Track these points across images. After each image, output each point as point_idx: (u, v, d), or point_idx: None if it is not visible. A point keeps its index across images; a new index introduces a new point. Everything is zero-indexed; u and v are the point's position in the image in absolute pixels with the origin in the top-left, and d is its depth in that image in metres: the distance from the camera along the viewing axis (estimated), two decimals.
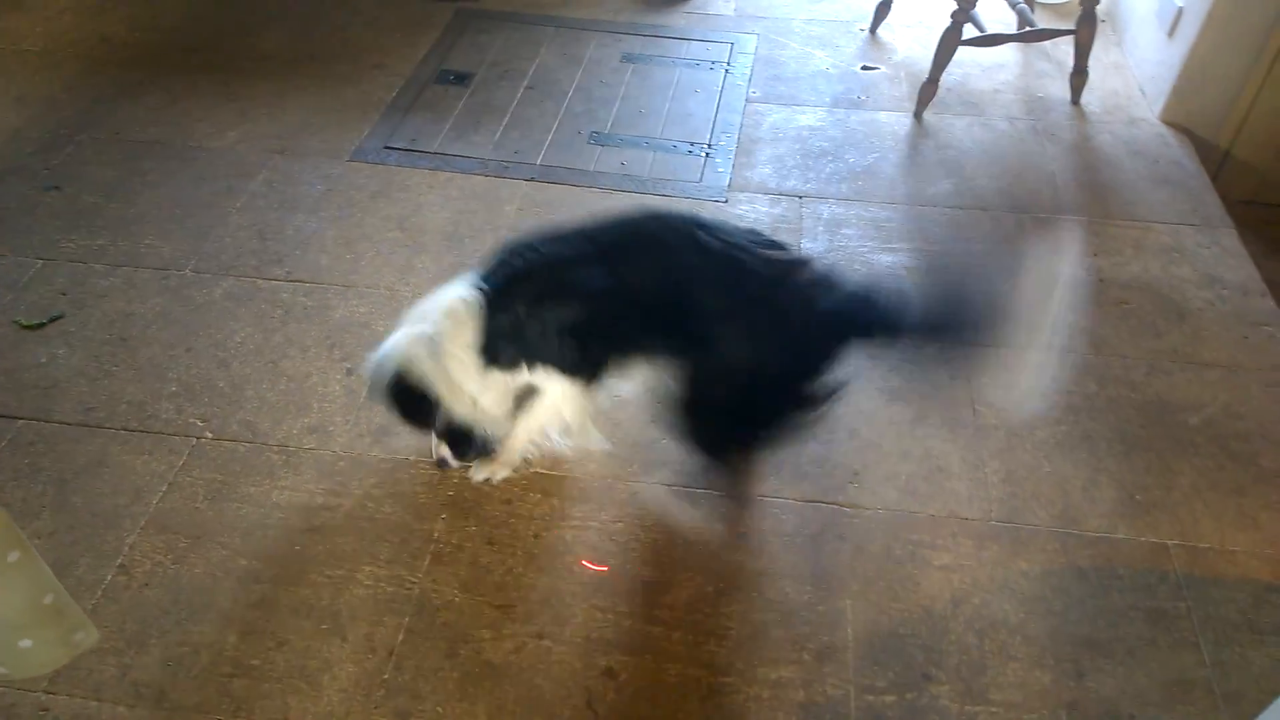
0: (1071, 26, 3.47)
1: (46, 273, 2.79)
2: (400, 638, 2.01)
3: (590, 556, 2.15)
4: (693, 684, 1.95)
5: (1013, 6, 3.64)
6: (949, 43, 3.36)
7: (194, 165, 3.20)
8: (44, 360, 2.55)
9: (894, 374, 2.55)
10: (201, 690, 1.92)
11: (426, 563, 2.14)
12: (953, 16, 3.32)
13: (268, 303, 2.72)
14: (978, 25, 3.44)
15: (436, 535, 2.19)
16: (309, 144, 3.30)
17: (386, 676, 1.95)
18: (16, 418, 2.41)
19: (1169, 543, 2.19)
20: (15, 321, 2.65)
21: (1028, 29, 3.50)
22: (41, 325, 2.64)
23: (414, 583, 2.10)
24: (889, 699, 1.93)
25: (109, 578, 2.09)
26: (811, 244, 2.96)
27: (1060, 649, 2.00)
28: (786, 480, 2.30)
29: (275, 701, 1.90)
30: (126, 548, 2.15)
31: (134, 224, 2.97)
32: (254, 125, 3.38)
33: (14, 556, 1.20)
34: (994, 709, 1.91)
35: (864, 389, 2.51)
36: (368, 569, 2.12)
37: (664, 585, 2.10)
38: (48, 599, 1.28)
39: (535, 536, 2.20)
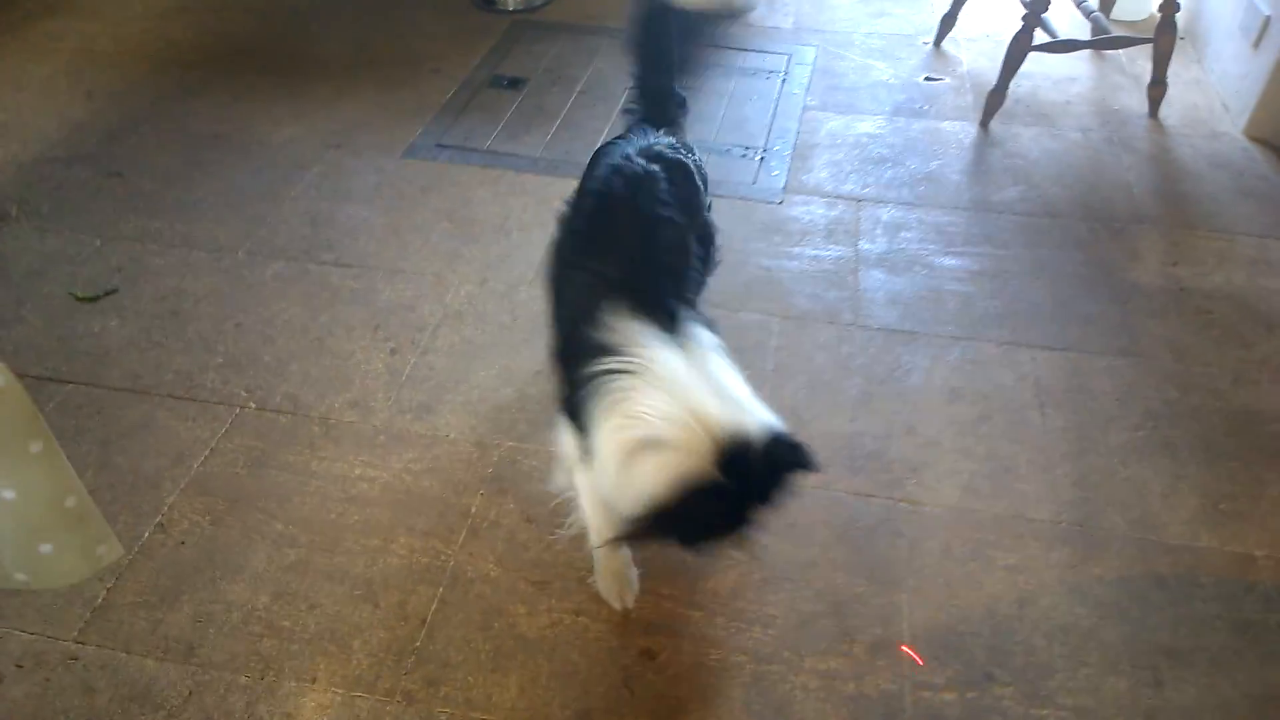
0: (1149, 36, 3.37)
1: (104, 251, 2.83)
2: (434, 607, 1.94)
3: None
4: (735, 669, 1.85)
5: (1087, 15, 3.56)
6: (1019, 47, 3.28)
7: (252, 158, 3.24)
8: (96, 330, 2.56)
9: (955, 373, 2.45)
10: (231, 647, 1.86)
11: (462, 536, 2.07)
12: (1023, 20, 3.25)
13: (316, 284, 2.72)
14: (1049, 31, 3.37)
15: (474, 510, 2.13)
16: (363, 140, 3.33)
17: (418, 644, 1.87)
18: (67, 381, 2.41)
19: (1257, 553, 2.04)
20: (71, 293, 2.67)
21: (1103, 35, 3.42)
22: (96, 298, 2.66)
23: (449, 555, 2.04)
24: (948, 697, 1.80)
25: (146, 535, 2.06)
26: (870, 246, 2.88)
27: (1137, 656, 1.86)
28: (839, 473, 2.20)
29: (304, 662, 1.84)
30: (166, 507, 2.12)
31: (191, 209, 3.00)
32: (311, 123, 3.42)
33: (36, 447, 1.15)
34: (1063, 713, 1.77)
35: (922, 387, 2.41)
36: (403, 539, 2.06)
37: (706, 571, 2.00)
38: (70, 501, 1.23)
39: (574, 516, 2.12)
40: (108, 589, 1.96)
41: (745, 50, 3.93)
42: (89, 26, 4.04)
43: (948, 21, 3.90)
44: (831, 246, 2.88)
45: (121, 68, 3.74)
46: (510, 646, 1.88)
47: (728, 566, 2.00)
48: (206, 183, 3.12)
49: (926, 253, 2.86)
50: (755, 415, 1.58)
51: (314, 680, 1.81)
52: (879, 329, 2.60)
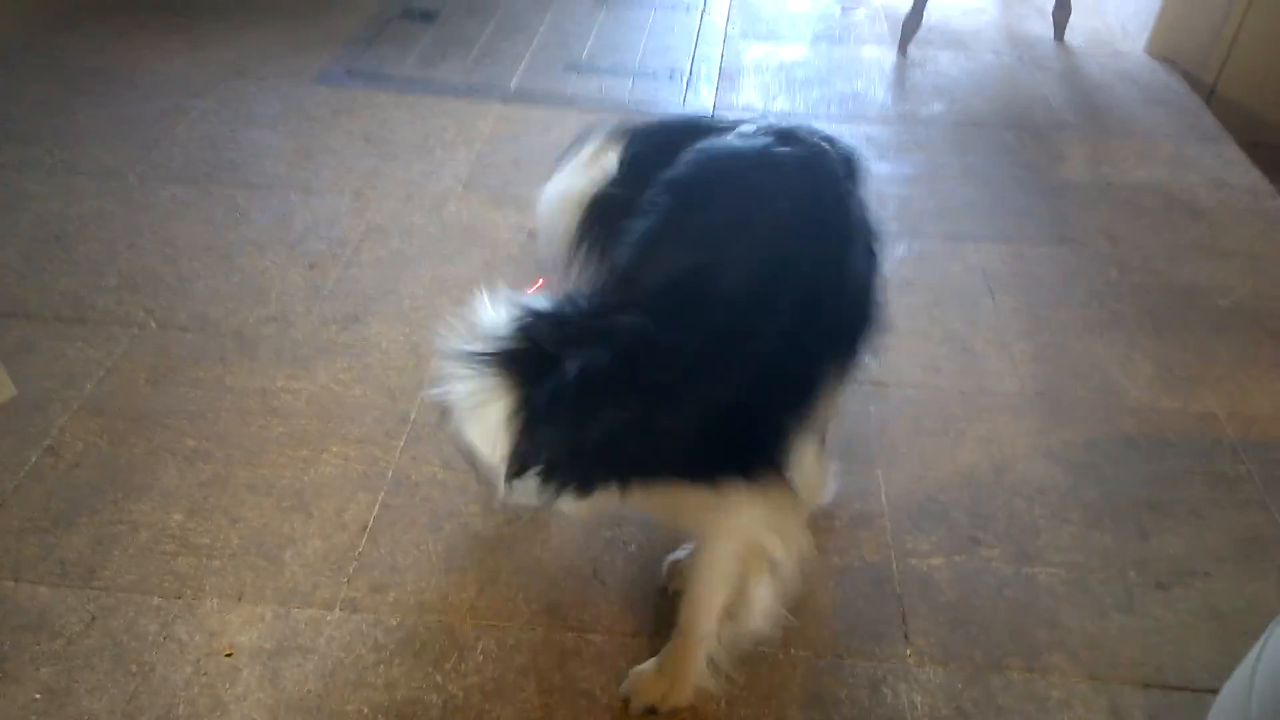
0: None
1: None
2: (375, 512, 1.75)
3: None
4: None
5: None
6: None
7: (139, 88, 2.97)
8: None
9: (903, 266, 2.38)
10: (140, 568, 1.63)
11: (402, 442, 1.88)
12: None
13: (220, 205, 2.48)
14: None
15: (414, 417, 1.94)
16: (267, 69, 3.10)
17: (360, 550, 1.68)
18: None
19: (1218, 412, 2.02)
20: None
21: None
22: None
23: (388, 461, 1.84)
24: (935, 562, 1.70)
25: (34, 459, 1.80)
26: None
27: (1118, 511, 1.80)
28: None
29: (227, 578, 1.62)
30: (56, 430, 1.86)
31: (72, 136, 2.72)
32: (206, 53, 3.17)
33: None
34: (1054, 569, 1.69)
35: None
36: (335, 448, 1.86)
37: None
38: None
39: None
40: None
41: None
42: None
43: None
44: None
45: None
46: (465, 546, 1.70)
47: None
48: (89, 111, 2.84)
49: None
50: None
51: (240, 597, 1.60)
52: None
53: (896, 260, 2.41)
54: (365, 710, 1.46)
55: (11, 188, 2.50)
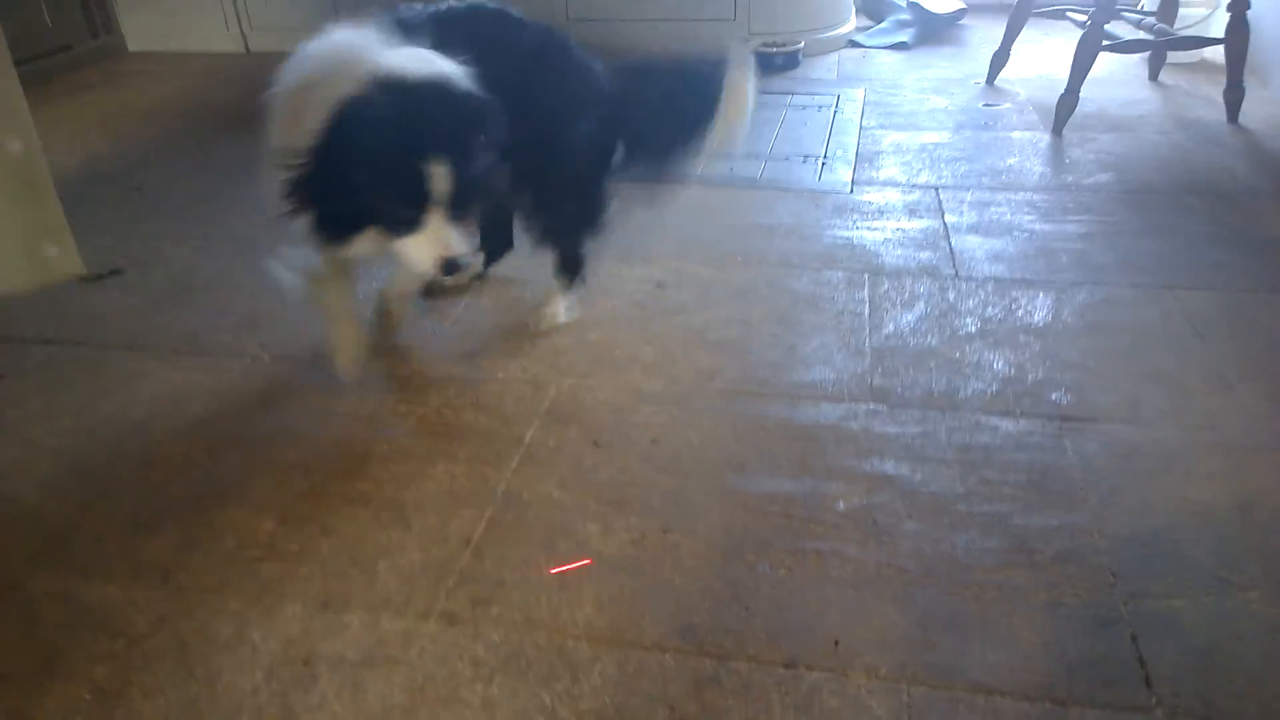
0: (1220, 38, 3.22)
1: (113, 246, 2.57)
2: (481, 529, 1.52)
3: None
4: (884, 580, 1.39)
5: (1150, 30, 3.42)
6: (1088, 47, 3.13)
7: None
8: (96, 302, 2.27)
9: (1088, 310, 2.09)
10: (220, 572, 1.44)
11: (515, 463, 1.67)
12: (1091, 18, 3.11)
13: None
14: (1112, 39, 3.22)
15: (529, 439, 1.74)
16: None
17: (463, 565, 1.44)
18: (54, 342, 2.09)
19: None
20: (73, 275, 2.39)
21: (1174, 35, 3.26)
22: (100, 277, 2.38)
23: (498, 479, 1.63)
24: (1177, 604, 1.34)
25: (127, 471, 1.68)
26: (958, 219, 2.59)
27: None
28: (972, 394, 1.80)
29: (314, 585, 1.41)
30: (154, 445, 1.74)
31: (215, 213, 2.77)
32: None
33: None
34: None
35: (1050, 323, 2.04)
36: (442, 466, 1.66)
37: (821, 495, 1.58)
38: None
39: (653, 442, 1.72)
40: (71, 522, 1.55)
41: (793, 93, 3.81)
42: (126, 95, 4.00)
43: (999, 59, 3.80)
44: (915, 220, 2.59)
45: (155, 121, 3.64)
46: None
47: (849, 487, 1.57)
48: (231, 193, 2.91)
49: (1023, 221, 2.57)
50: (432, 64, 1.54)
51: (326, 604, 1.37)
52: (986, 278, 2.26)
53: (1079, 305, 2.11)
54: None
55: (150, 251, 2.53)
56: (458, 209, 1.54)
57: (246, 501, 1.58)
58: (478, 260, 2.24)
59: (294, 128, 1.50)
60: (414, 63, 1.52)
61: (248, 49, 4.68)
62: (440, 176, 1.48)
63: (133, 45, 4.82)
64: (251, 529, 1.52)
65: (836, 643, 1.29)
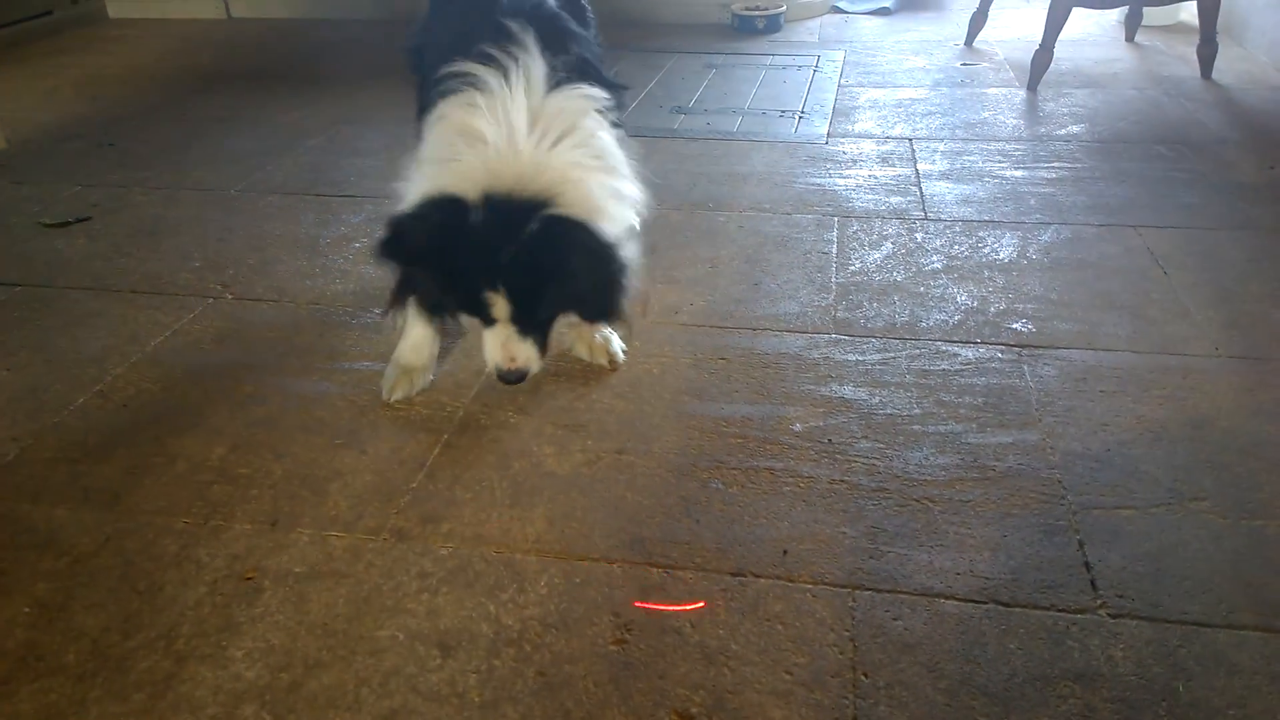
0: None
1: (82, 194, 2.56)
2: (435, 452, 1.51)
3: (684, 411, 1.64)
4: (836, 494, 1.39)
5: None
6: (1062, 6, 3.11)
7: (257, 130, 3.03)
8: (60, 247, 2.25)
9: (1053, 247, 2.08)
10: (169, 495, 1.43)
11: (475, 390, 1.67)
12: None
13: (314, 210, 2.42)
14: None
15: (487, 370, 1.72)
16: (373, 116, 3.13)
17: (415, 485, 1.43)
18: (15, 284, 2.08)
19: None
20: (39, 222, 2.38)
21: None
22: (66, 224, 2.37)
23: (456, 407, 1.62)
24: (1125, 513, 1.34)
25: (81, 400, 1.66)
26: (930, 166, 2.58)
27: None
28: (933, 326, 1.80)
29: (263, 505, 1.40)
30: (109, 378, 1.73)
31: (185, 165, 2.75)
32: (320, 108, 3.24)
33: None
34: None
35: (1016, 259, 2.03)
36: (399, 394, 1.65)
37: (778, 418, 1.57)
38: None
39: (613, 369, 1.71)
40: (21, 447, 1.55)
41: (773, 54, 3.79)
42: (104, 59, 3.97)
43: (977, 20, 3.78)
44: (888, 168, 2.58)
45: (132, 83, 3.61)
46: (535, 483, 1.44)
47: (804, 411, 1.57)
48: (203, 147, 2.89)
49: (994, 168, 2.56)
50: (577, 185, 1.36)
51: (274, 523, 1.37)
52: (954, 220, 2.26)
53: (1043, 244, 2.11)
54: (400, 636, 1.17)
55: (117, 199, 2.51)
56: (530, 329, 1.42)
57: (199, 429, 1.57)
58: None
59: (422, 184, 1.40)
60: (550, 167, 1.35)
61: (229, 14, 4.64)
62: (500, 305, 1.37)
63: (114, 12, 4.79)
64: (203, 454, 1.51)
65: (785, 552, 1.29)
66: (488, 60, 1.39)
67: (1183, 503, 1.35)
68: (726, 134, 2.90)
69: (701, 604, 1.22)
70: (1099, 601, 1.20)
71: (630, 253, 1.42)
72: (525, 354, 1.43)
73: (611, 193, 1.41)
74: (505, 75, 1.38)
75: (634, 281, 1.44)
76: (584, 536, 1.33)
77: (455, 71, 1.40)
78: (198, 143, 2.92)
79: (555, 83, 1.41)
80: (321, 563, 1.29)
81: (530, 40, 1.42)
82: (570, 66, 1.45)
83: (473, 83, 1.39)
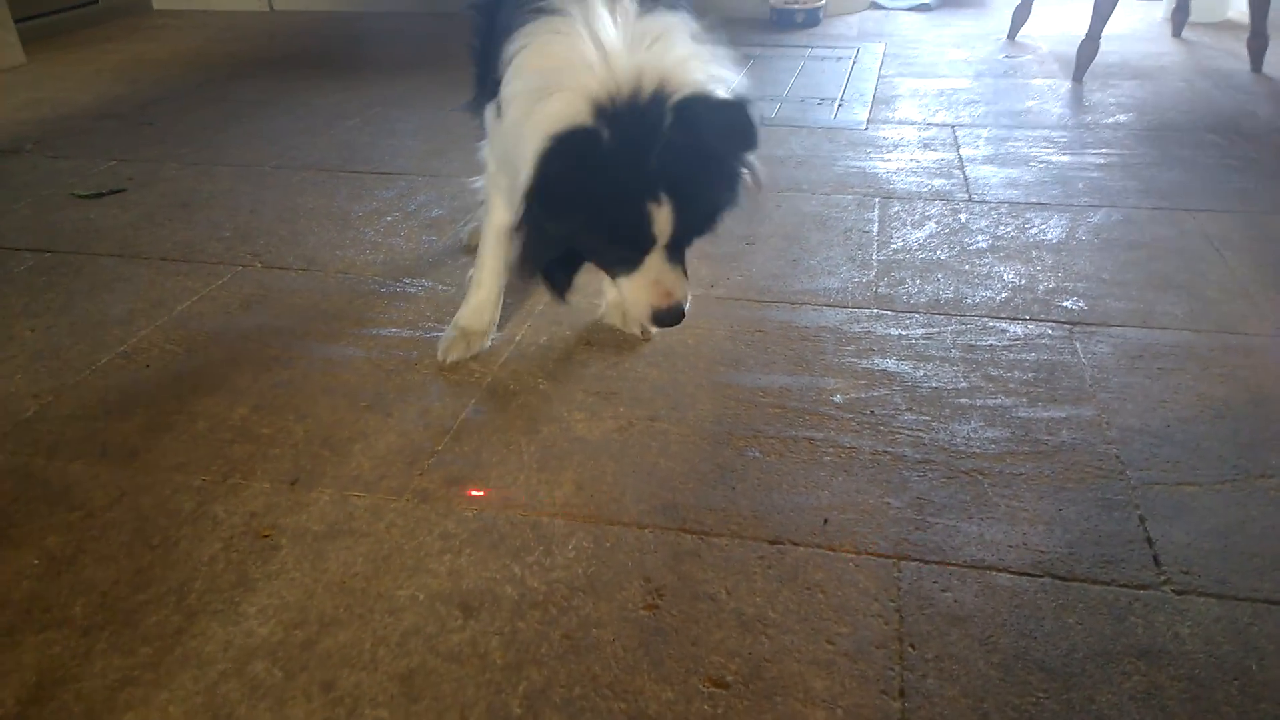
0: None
1: (118, 169, 2.55)
2: (463, 416, 1.46)
3: (715, 357, 1.59)
4: (885, 465, 1.32)
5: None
6: None
7: (294, 112, 3.02)
8: (92, 216, 2.24)
9: (1103, 229, 2.00)
10: (187, 452, 1.39)
11: (504, 357, 1.62)
12: None
13: (347, 186, 2.39)
14: None
15: (520, 338, 1.68)
16: (411, 100, 3.11)
17: (440, 448, 1.39)
18: (45, 251, 2.06)
19: None
20: (72, 193, 2.37)
21: None
22: (99, 195, 2.36)
23: (485, 374, 1.57)
24: (1189, 489, 1.26)
25: (104, 360, 1.64)
26: (974, 151, 2.51)
27: None
28: (979, 301, 1.73)
29: (283, 464, 1.36)
30: (134, 339, 1.70)
31: (221, 144, 2.74)
32: (359, 92, 3.22)
33: None
34: None
35: (1065, 240, 1.96)
36: (429, 361, 1.61)
37: (817, 389, 1.51)
38: None
39: (645, 338, 1.66)
40: (41, 404, 1.52)
41: (812, 46, 3.73)
42: (147, 46, 3.99)
43: (1020, 14, 3.71)
44: (930, 152, 2.51)
45: (173, 67, 3.63)
46: (564, 448, 1.38)
47: (845, 383, 1.50)
48: (241, 126, 2.88)
49: (1040, 153, 2.48)
50: (690, 70, 1.25)
51: (294, 481, 1.32)
52: (1000, 201, 2.18)
53: (1093, 225, 2.03)
54: (420, 596, 1.12)
55: (152, 173, 2.50)
56: (678, 251, 1.32)
57: (222, 390, 1.54)
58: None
59: (519, 145, 1.27)
60: (658, 61, 1.24)
61: (271, 7, 4.66)
62: (663, 218, 1.24)
63: (158, 3, 4.83)
64: (225, 414, 1.48)
65: (826, 521, 1.23)
66: None
67: (1249, 479, 1.27)
68: (765, 120, 2.84)
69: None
70: (1163, 578, 1.12)
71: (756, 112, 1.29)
72: (680, 285, 1.31)
73: (716, 75, 1.30)
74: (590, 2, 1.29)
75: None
76: (614, 501, 1.27)
77: (536, 5, 1.30)
78: (235, 123, 2.91)
79: (646, 9, 1.31)
80: (341, 522, 1.24)
81: None
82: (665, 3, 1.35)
83: (556, 8, 1.29)
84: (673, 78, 1.23)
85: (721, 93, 1.27)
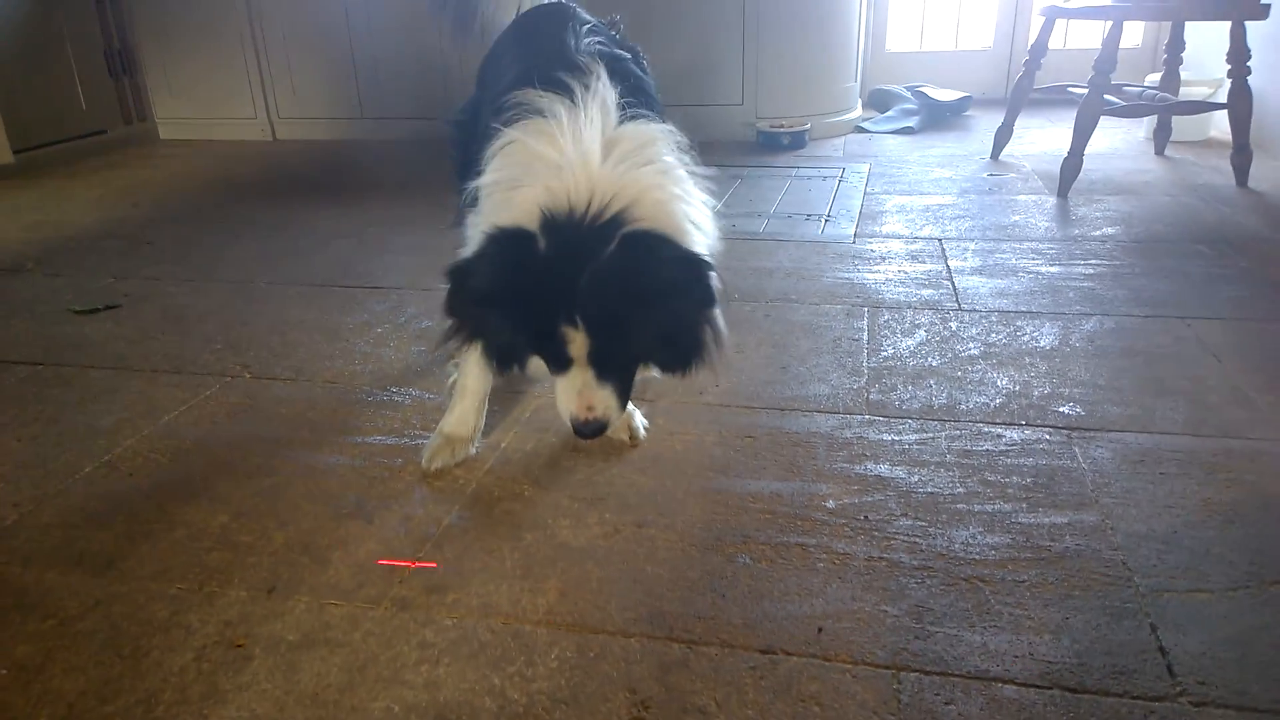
0: (1223, 103, 3.22)
1: (115, 286, 2.58)
2: (446, 522, 1.43)
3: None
4: (878, 569, 1.28)
5: (1151, 101, 3.44)
6: (1089, 111, 3.14)
7: (290, 231, 3.08)
8: (87, 331, 2.25)
9: (1097, 336, 2.01)
10: (164, 561, 1.35)
11: (489, 464, 1.59)
12: (1090, 84, 3.13)
13: (339, 299, 2.42)
14: (1112, 105, 3.23)
15: (505, 445, 1.66)
16: (407, 221, 3.17)
17: (422, 555, 1.34)
18: (38, 364, 2.06)
19: None
20: (69, 309, 2.39)
21: (1176, 101, 3.27)
22: (95, 310, 2.38)
23: (469, 480, 1.55)
24: (1202, 597, 1.21)
25: (88, 469, 1.61)
26: (962, 264, 2.54)
27: None
28: (973, 408, 1.72)
29: (260, 572, 1.32)
30: (119, 448, 1.68)
31: (217, 261, 2.78)
32: (354, 211, 3.29)
33: None
34: None
35: (1058, 346, 1.96)
36: (413, 468, 1.58)
37: (809, 494, 1.48)
38: None
39: (633, 444, 1.63)
40: (21, 513, 1.48)
41: (798, 166, 3.84)
42: (151, 172, 4.11)
43: (1003, 135, 3.83)
44: (918, 264, 2.54)
45: (175, 191, 3.72)
46: (548, 554, 1.34)
47: (833, 489, 1.47)
48: (239, 245, 2.93)
49: (1029, 264, 2.51)
50: (660, 203, 1.24)
51: (271, 590, 1.28)
52: (990, 310, 2.19)
53: (1086, 333, 2.04)
54: (395, 709, 1.06)
55: (148, 289, 2.53)
56: (609, 372, 1.29)
57: (203, 498, 1.51)
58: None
59: (485, 224, 1.30)
60: (631, 184, 1.23)
61: (274, 137, 4.82)
62: (579, 342, 1.24)
63: (164, 133, 5.00)
64: (204, 522, 1.44)
65: (820, 629, 1.18)
66: (557, 87, 1.32)
67: (1263, 585, 1.23)
68: (752, 234, 2.90)
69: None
70: (1178, 689, 1.07)
71: (717, 281, 1.28)
72: (604, 402, 1.29)
73: (691, 217, 1.30)
74: (574, 101, 1.30)
75: (721, 318, 1.31)
76: (599, 609, 1.22)
77: (519, 100, 1.32)
78: (233, 242, 2.96)
79: (629, 113, 1.33)
80: (317, 631, 1.19)
81: (602, 72, 1.35)
82: (642, 104, 1.38)
83: (540, 109, 1.30)
84: (641, 207, 1.22)
85: (688, 240, 1.27)
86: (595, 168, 1.24)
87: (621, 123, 1.32)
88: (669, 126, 1.38)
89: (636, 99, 1.38)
